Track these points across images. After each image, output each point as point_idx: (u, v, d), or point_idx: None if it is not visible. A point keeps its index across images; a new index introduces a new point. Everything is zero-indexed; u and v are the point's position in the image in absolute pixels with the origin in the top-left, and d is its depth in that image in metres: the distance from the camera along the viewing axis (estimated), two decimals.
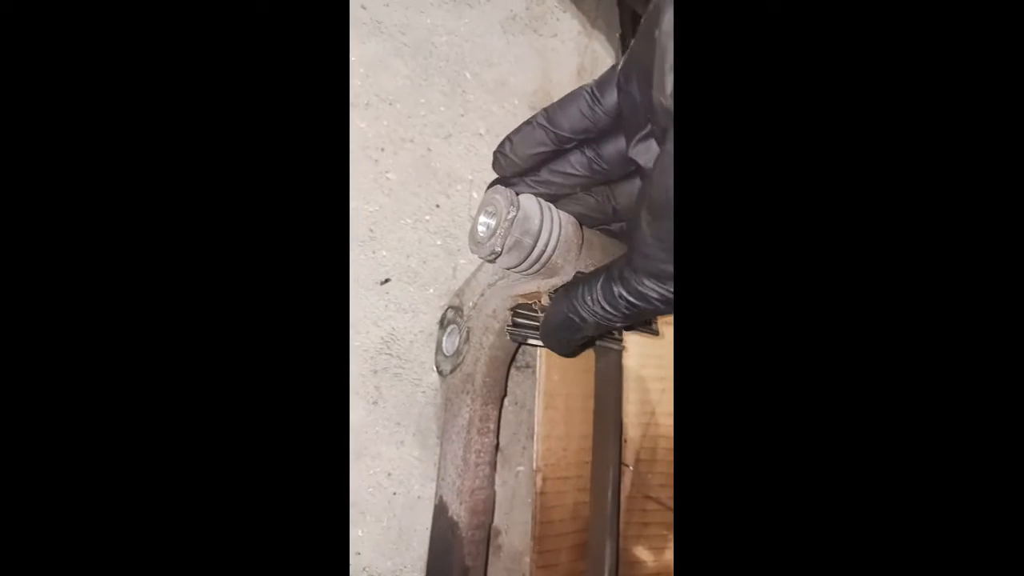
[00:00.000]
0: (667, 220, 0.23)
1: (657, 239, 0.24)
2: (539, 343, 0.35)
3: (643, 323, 0.42)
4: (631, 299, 0.27)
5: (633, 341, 0.48)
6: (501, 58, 0.47)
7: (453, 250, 0.42)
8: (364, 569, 0.36)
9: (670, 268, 0.24)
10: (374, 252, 0.40)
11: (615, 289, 0.27)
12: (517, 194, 0.32)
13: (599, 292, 0.28)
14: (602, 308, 0.28)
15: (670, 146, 0.22)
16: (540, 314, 0.35)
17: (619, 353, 0.46)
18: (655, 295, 0.26)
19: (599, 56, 0.52)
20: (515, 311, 0.35)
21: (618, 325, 0.30)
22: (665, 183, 0.22)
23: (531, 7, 0.49)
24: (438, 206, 0.43)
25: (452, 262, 0.42)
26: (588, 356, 0.46)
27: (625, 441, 0.48)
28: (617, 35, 0.54)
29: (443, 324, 0.42)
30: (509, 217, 0.30)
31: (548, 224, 0.32)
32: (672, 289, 0.25)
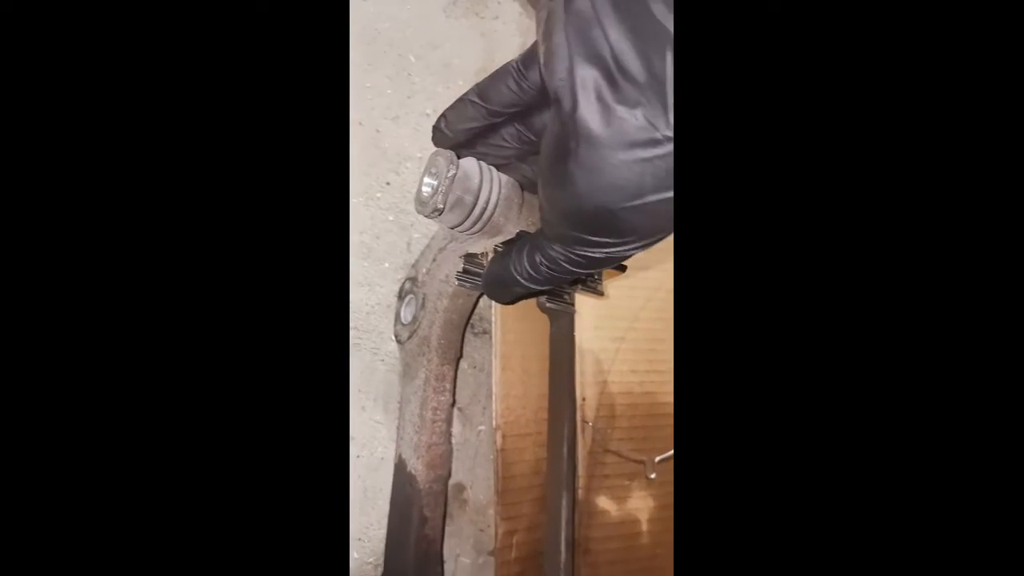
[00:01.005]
0: (553, 188, 0.25)
1: (549, 205, 0.26)
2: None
3: (587, 285, 0.44)
4: (547, 264, 0.29)
5: (587, 303, 0.50)
6: (444, 41, 0.49)
7: (406, 225, 0.44)
8: None
9: (571, 232, 0.26)
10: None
11: (535, 256, 0.29)
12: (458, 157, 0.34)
13: (524, 257, 0.30)
14: (527, 272, 0.30)
15: (554, 124, 0.24)
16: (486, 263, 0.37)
17: (571, 316, 0.48)
18: (563, 259, 0.28)
19: None
20: (465, 259, 0.37)
21: (545, 288, 0.32)
22: (547, 153, 0.24)
23: None
24: (388, 184, 0.44)
25: (406, 236, 0.44)
26: (543, 319, 0.48)
27: (583, 399, 0.51)
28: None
29: (401, 295, 0.44)
30: (449, 175, 0.32)
31: (488, 183, 0.34)
32: (579, 252, 0.27)
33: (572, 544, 0.42)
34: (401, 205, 0.45)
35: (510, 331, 0.46)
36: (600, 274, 0.45)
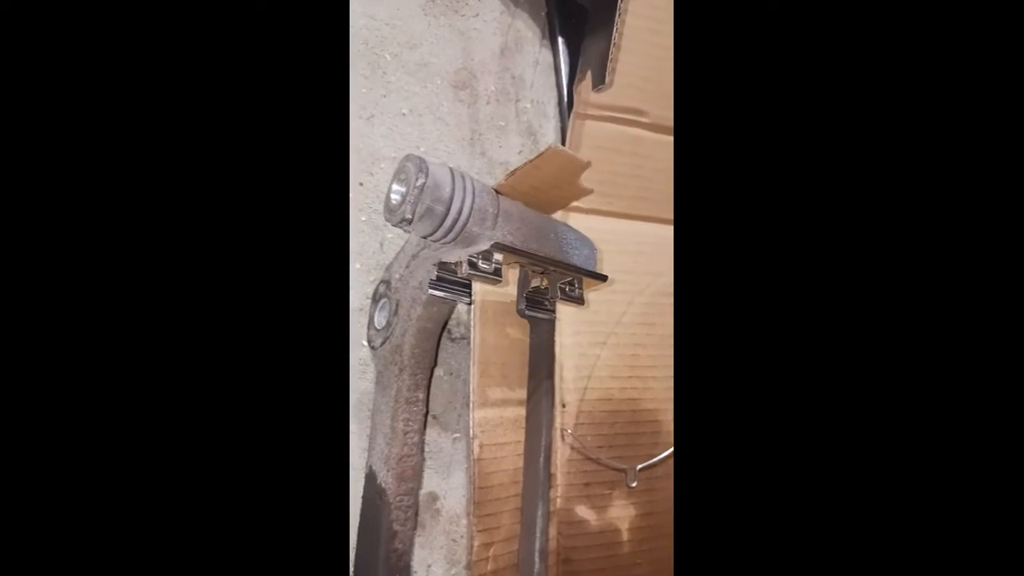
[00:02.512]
0: None
1: None
2: (463, 301, 0.37)
3: (567, 295, 0.43)
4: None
5: (568, 311, 0.49)
6: (422, 39, 0.47)
7: (379, 225, 0.43)
8: None
9: None
10: None
11: None
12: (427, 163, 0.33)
13: None
14: None
15: None
16: (461, 276, 0.36)
17: (551, 323, 0.47)
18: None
19: (522, 34, 0.53)
20: (439, 267, 0.36)
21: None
22: None
23: None
24: (362, 184, 0.43)
25: (379, 237, 0.43)
26: (523, 325, 0.47)
27: (563, 406, 0.50)
28: (543, 13, 0.55)
29: (375, 299, 0.43)
30: (418, 184, 0.31)
31: (460, 192, 0.33)
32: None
33: (546, 554, 0.41)
34: (374, 205, 0.43)
35: (489, 337, 0.45)
36: (580, 283, 0.44)
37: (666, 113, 0.54)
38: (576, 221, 0.53)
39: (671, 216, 0.57)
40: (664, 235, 0.56)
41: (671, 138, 0.55)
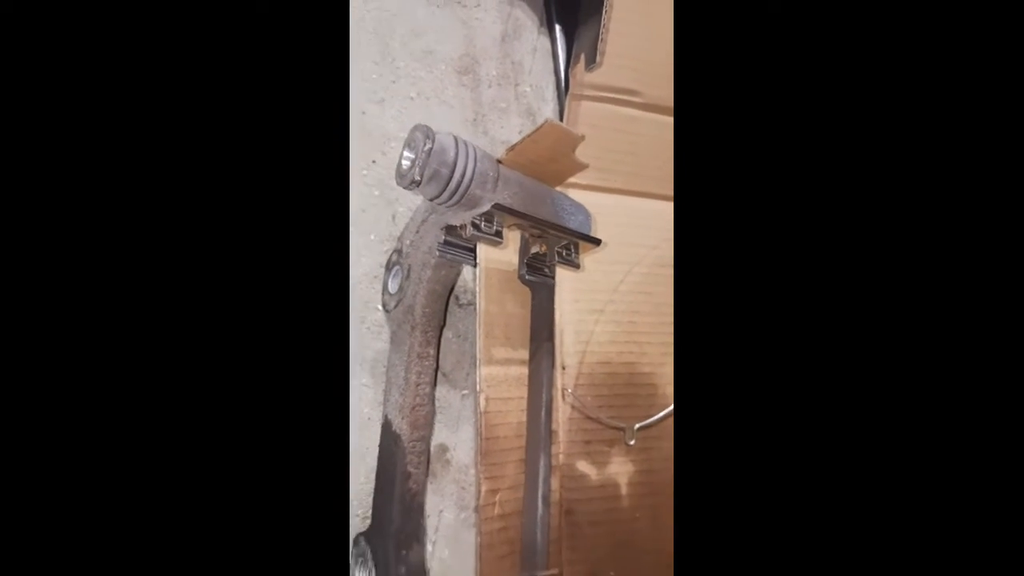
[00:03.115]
0: None
1: None
2: (469, 263, 0.40)
3: (563, 258, 0.46)
4: None
5: (567, 277, 0.53)
6: (427, 28, 0.51)
7: (391, 199, 0.47)
8: None
9: None
10: None
11: None
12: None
13: None
14: None
15: None
16: (466, 238, 0.39)
17: (551, 288, 0.50)
18: None
19: (522, 22, 0.57)
20: (446, 230, 0.40)
21: None
22: None
23: None
24: (374, 162, 0.47)
25: (391, 210, 0.47)
26: (525, 291, 0.50)
27: (564, 368, 0.53)
28: (540, 2, 0.59)
29: (388, 267, 0.47)
30: (426, 149, 0.35)
31: (463, 157, 0.37)
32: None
33: (548, 501, 0.44)
34: (386, 181, 0.47)
35: (493, 302, 0.49)
36: (577, 247, 0.48)
37: (659, 93, 0.57)
38: (574, 196, 0.57)
39: (664, 192, 0.60)
40: (658, 209, 0.60)
41: (664, 117, 0.58)
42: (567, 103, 0.55)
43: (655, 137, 0.58)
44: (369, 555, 0.40)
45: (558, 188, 0.54)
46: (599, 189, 0.57)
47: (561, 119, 0.56)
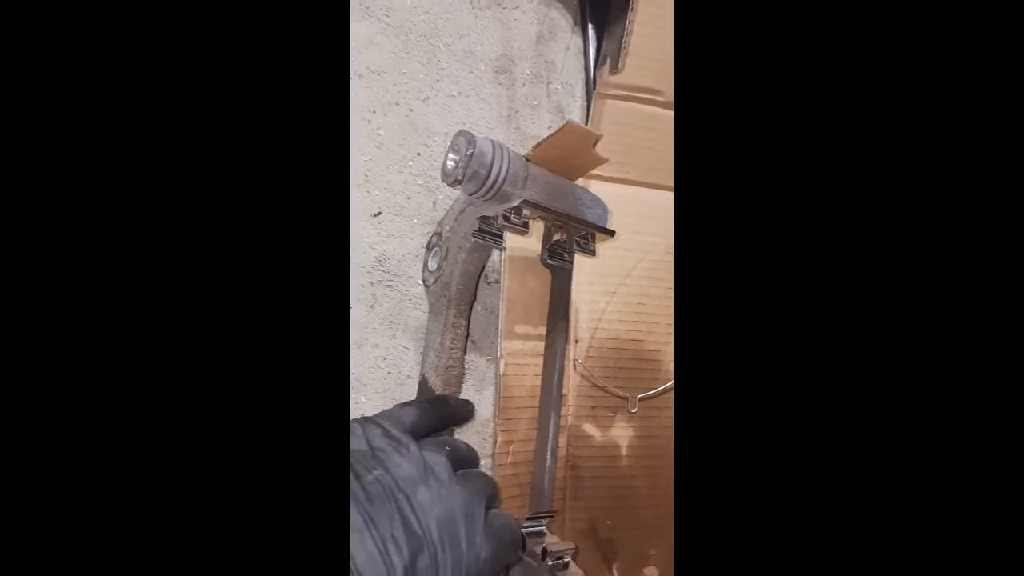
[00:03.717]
0: None
1: None
2: (498, 247, 0.47)
3: (581, 246, 0.52)
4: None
5: (585, 262, 0.59)
6: (469, 30, 0.56)
7: (432, 188, 0.53)
8: None
9: None
10: (368, 192, 0.51)
11: None
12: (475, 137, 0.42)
13: None
14: None
15: None
16: (497, 227, 0.46)
17: (569, 271, 0.57)
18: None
19: (557, 22, 0.61)
20: (480, 220, 0.46)
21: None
22: None
23: None
24: (419, 154, 0.53)
25: (432, 197, 0.53)
26: (546, 273, 0.57)
27: (576, 342, 0.60)
28: (575, 2, 0.63)
29: (429, 247, 0.54)
30: (468, 153, 0.41)
31: (499, 160, 0.43)
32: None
33: (556, 454, 0.52)
34: (429, 172, 0.53)
35: (516, 281, 0.55)
36: (594, 237, 0.54)
37: None
38: (596, 187, 0.62)
39: None
40: (672, 201, 0.64)
41: None
42: (593, 100, 0.60)
43: (673, 133, 0.62)
44: None
45: (580, 180, 0.59)
46: (619, 181, 0.63)
47: (587, 115, 0.61)
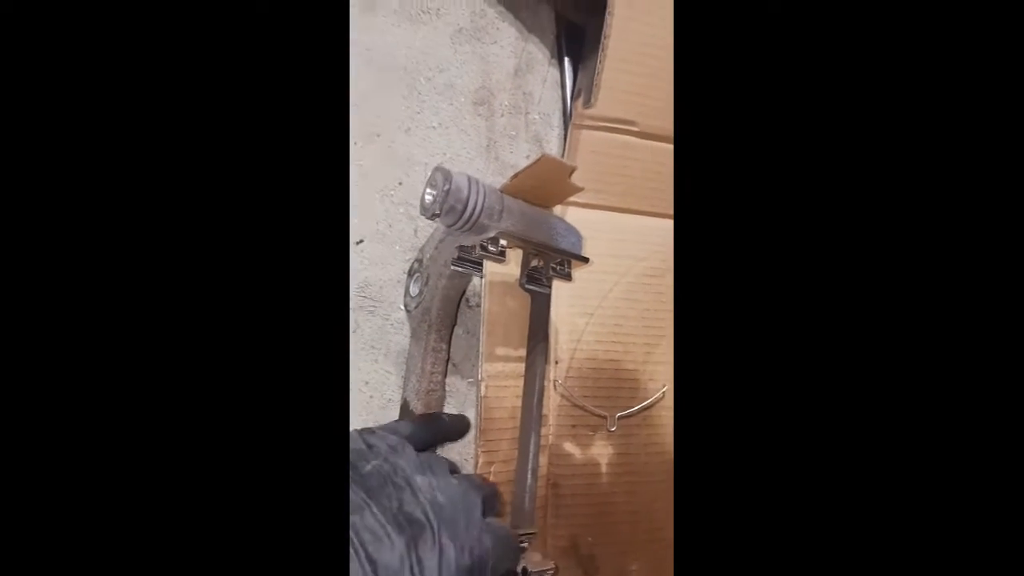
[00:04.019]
0: None
1: None
2: (477, 275, 0.49)
3: (557, 272, 0.55)
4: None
5: (564, 289, 0.61)
6: (449, 64, 0.59)
7: (413, 216, 0.55)
8: None
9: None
10: (351, 220, 0.53)
11: None
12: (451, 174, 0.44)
13: None
14: None
15: None
16: (475, 256, 0.47)
17: (548, 295, 0.59)
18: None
19: (534, 55, 0.64)
20: (459, 249, 0.48)
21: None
22: None
23: (475, 20, 0.61)
24: (400, 183, 0.55)
25: (413, 225, 0.55)
26: (525, 297, 0.59)
27: (556, 362, 0.62)
28: (552, 36, 0.66)
29: (410, 273, 0.55)
30: (444, 189, 0.43)
31: (474, 195, 0.45)
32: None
33: (537, 473, 0.53)
34: (410, 200, 0.55)
35: (496, 305, 0.57)
36: (569, 263, 0.56)
37: (655, 122, 0.64)
38: (573, 213, 0.64)
39: (654, 209, 0.67)
40: (646, 225, 0.67)
41: (659, 144, 0.65)
42: (570, 131, 0.63)
43: (649, 161, 0.65)
44: None
45: (557, 207, 0.62)
46: (595, 207, 0.65)
47: (564, 145, 0.64)
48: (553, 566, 0.48)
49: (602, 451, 0.62)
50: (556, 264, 0.55)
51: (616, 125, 0.62)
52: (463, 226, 0.45)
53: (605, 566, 0.60)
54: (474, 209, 0.44)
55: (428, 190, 0.45)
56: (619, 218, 0.66)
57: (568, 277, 0.56)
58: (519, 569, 0.48)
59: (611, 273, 0.65)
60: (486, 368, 0.56)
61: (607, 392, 0.63)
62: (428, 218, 0.44)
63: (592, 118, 0.61)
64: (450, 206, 0.43)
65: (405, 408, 0.51)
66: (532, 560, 0.49)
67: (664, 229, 0.69)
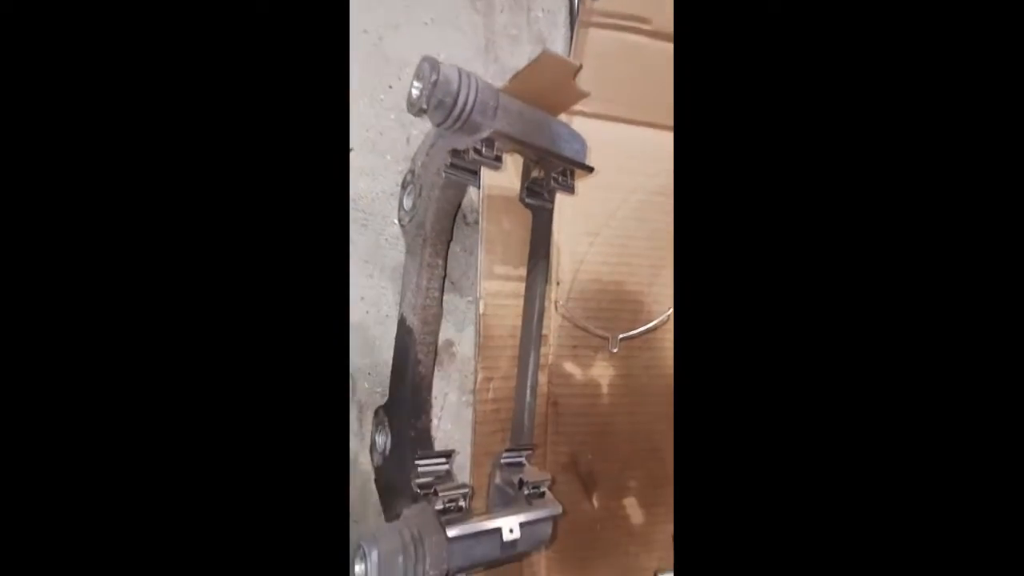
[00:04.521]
0: None
1: None
2: (472, 184, 0.46)
3: (559, 183, 0.51)
4: None
5: (566, 202, 0.57)
6: None
7: (406, 123, 0.52)
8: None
9: None
10: None
11: None
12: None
13: None
14: None
15: None
16: (469, 161, 0.44)
17: (550, 211, 0.56)
18: None
19: None
20: (451, 154, 0.45)
21: None
22: None
23: None
24: (391, 87, 0.51)
25: (405, 133, 0.52)
26: (526, 213, 0.56)
27: (558, 283, 0.60)
28: None
29: (404, 186, 0.52)
30: (432, 80, 0.39)
31: (465, 88, 0.41)
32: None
33: (535, 390, 0.53)
34: (402, 105, 0.51)
35: (494, 221, 0.54)
36: (572, 173, 0.52)
37: (669, 20, 0.57)
38: (578, 124, 0.60)
39: (667, 122, 0.62)
40: (659, 140, 0.62)
41: (672, 45, 0.59)
42: (576, 29, 0.57)
43: (662, 67, 0.59)
44: (386, 422, 0.50)
45: (563, 115, 0.57)
46: (603, 117, 0.60)
47: (571, 46, 0.58)
48: (549, 477, 0.49)
49: (603, 372, 0.61)
50: (558, 174, 0.51)
51: (627, 23, 0.56)
52: (454, 123, 0.41)
53: (604, 481, 0.61)
54: (465, 104, 0.41)
55: (415, 83, 0.41)
56: (629, 130, 0.61)
57: (571, 189, 0.52)
58: (516, 480, 0.48)
59: (619, 190, 0.62)
60: (485, 286, 0.54)
61: (610, 314, 0.61)
62: (414, 114, 0.41)
63: (601, 14, 0.55)
64: (438, 100, 0.40)
65: (402, 323, 0.50)
66: (530, 473, 0.49)
67: None
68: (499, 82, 0.56)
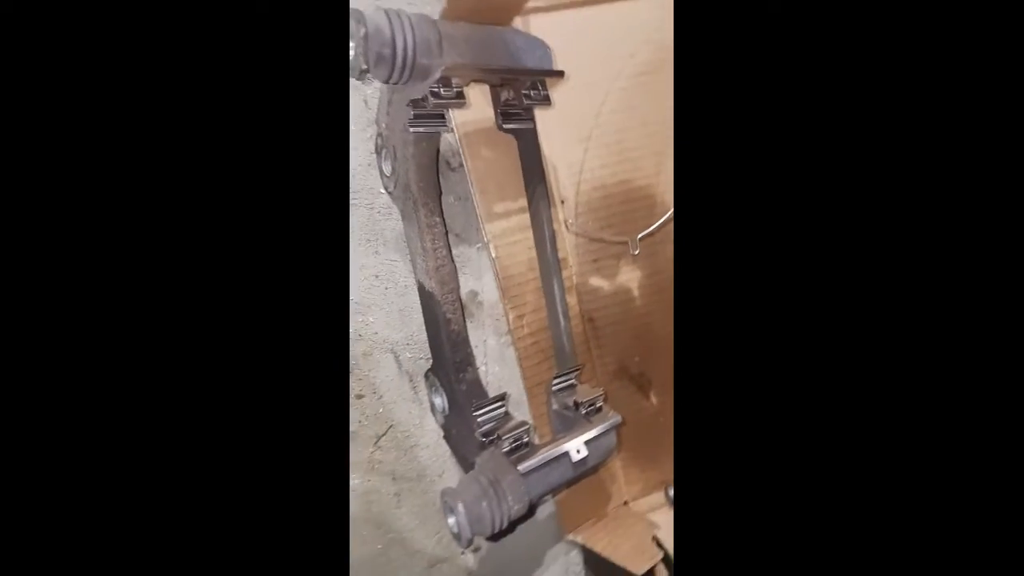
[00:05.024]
0: None
1: None
2: (444, 130, 0.43)
3: (533, 99, 0.47)
4: None
5: (548, 114, 0.53)
6: None
7: (356, 85, 0.48)
8: (384, 341, 0.51)
9: None
10: None
11: None
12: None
13: None
14: None
15: None
16: (431, 108, 0.41)
17: (533, 131, 0.52)
18: None
19: None
20: (412, 104, 0.42)
21: None
22: None
23: None
24: None
25: (361, 95, 0.48)
26: (510, 141, 0.52)
27: (562, 202, 0.57)
28: None
29: (378, 151, 0.50)
30: (361, 35, 0.36)
31: (400, 31, 0.37)
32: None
33: (568, 315, 0.53)
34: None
35: (479, 159, 0.52)
36: (543, 84, 0.48)
37: None
38: (538, 23, 0.54)
39: None
40: (629, 10, 0.56)
41: None
42: None
43: None
44: (437, 383, 0.52)
45: (517, 21, 0.52)
46: (560, 6, 0.54)
47: None
48: (602, 392, 0.50)
49: (630, 276, 0.61)
50: (529, 90, 0.47)
51: None
52: (400, 75, 0.38)
53: (656, 377, 0.62)
54: (405, 49, 0.37)
55: (351, 44, 0.38)
56: (593, 12, 0.55)
57: (547, 101, 0.49)
58: (571, 402, 0.50)
59: (598, 84, 0.56)
60: (489, 229, 0.53)
61: (623, 217, 0.59)
62: (357, 78, 0.38)
63: None
64: (376, 54, 0.36)
65: (422, 289, 0.50)
66: (583, 392, 0.51)
67: (651, 11, 0.57)
68: (435, 8, 0.50)
